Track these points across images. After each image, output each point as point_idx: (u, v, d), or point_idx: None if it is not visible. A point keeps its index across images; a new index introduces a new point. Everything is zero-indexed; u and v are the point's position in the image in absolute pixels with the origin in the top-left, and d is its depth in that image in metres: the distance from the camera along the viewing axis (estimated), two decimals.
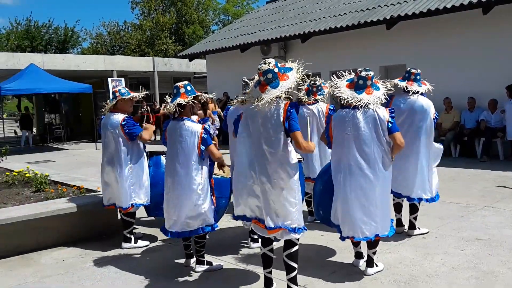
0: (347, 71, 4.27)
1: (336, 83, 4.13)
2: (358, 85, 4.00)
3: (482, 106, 10.45)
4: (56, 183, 6.72)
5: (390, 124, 3.89)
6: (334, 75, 4.26)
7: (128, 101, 5.12)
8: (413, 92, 4.90)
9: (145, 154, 5.21)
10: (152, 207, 5.20)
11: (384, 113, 3.90)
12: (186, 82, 4.29)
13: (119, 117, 5.02)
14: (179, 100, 4.14)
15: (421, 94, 4.94)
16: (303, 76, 3.58)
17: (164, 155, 5.31)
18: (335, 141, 4.06)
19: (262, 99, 3.43)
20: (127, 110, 5.17)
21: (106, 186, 5.17)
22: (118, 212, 5.46)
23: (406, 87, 4.92)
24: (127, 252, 4.99)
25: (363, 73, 4.02)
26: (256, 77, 3.64)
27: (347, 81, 4.12)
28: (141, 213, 5.70)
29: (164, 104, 4.28)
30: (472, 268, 4.13)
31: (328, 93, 5.50)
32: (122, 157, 4.98)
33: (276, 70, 3.50)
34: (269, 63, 3.52)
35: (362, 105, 3.89)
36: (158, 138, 18.56)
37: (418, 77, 4.99)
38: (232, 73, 16.46)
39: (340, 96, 4.00)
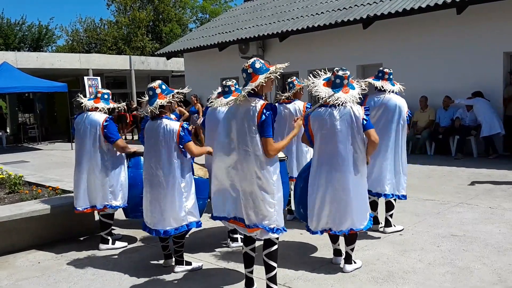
0: (322, 70, 4.32)
1: (313, 82, 4.17)
2: (335, 84, 4.06)
3: (457, 105, 10.62)
4: (30, 184, 6.59)
5: (365, 121, 3.97)
6: (311, 74, 4.29)
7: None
8: (389, 91, 5.00)
9: (124, 155, 5.15)
10: (131, 208, 5.13)
11: (359, 111, 3.98)
12: (160, 82, 4.25)
13: (100, 117, 4.95)
14: (160, 101, 4.10)
15: (395, 92, 5.05)
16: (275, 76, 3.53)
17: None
18: (315, 138, 4.10)
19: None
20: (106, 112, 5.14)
21: (79, 187, 5.00)
22: (96, 214, 5.37)
23: (382, 86, 5.01)
24: (105, 253, 4.93)
25: (340, 72, 4.08)
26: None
27: (323, 80, 4.17)
28: (119, 214, 5.63)
29: (141, 108, 4.25)
30: (448, 264, 4.21)
31: (298, 90, 5.56)
32: (100, 157, 4.91)
33: (250, 70, 3.49)
34: (247, 62, 3.53)
35: (339, 104, 3.95)
36: (136, 137, 18.39)
37: (391, 76, 5.15)
38: (210, 71, 16.42)
39: (318, 95, 4.04)
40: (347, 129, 3.95)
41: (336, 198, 3.96)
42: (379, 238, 5.02)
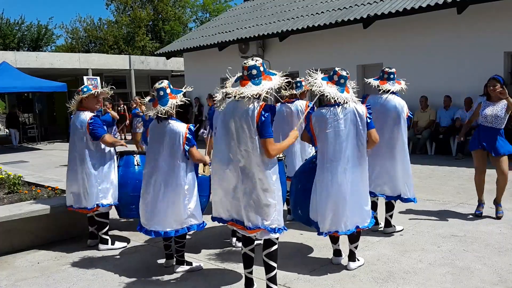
0: (313, 70, 4.25)
1: (316, 81, 4.11)
2: (340, 84, 4.06)
3: (457, 104, 10.63)
4: (30, 184, 6.58)
5: (368, 120, 3.99)
6: (308, 72, 4.22)
7: (92, 98, 5.03)
8: (384, 91, 4.96)
9: (114, 154, 5.12)
10: (122, 207, 5.11)
11: (362, 109, 4.01)
12: (168, 82, 4.20)
13: (87, 116, 4.95)
14: (174, 101, 4.03)
15: (394, 93, 4.99)
16: (285, 82, 3.55)
17: (135, 155, 5.29)
18: (318, 138, 4.09)
19: (241, 93, 3.39)
20: (93, 108, 5.07)
21: (70, 186, 5.01)
22: (92, 213, 5.32)
23: (378, 85, 4.98)
24: (104, 253, 4.91)
25: (344, 73, 4.07)
26: (239, 73, 3.60)
27: (323, 79, 4.12)
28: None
29: (158, 108, 4.06)
30: (448, 264, 4.20)
31: (307, 91, 5.53)
32: (88, 156, 4.88)
33: (261, 68, 3.49)
34: (256, 60, 3.51)
35: (346, 103, 3.96)
36: (129, 137, 18.30)
37: (391, 76, 5.03)
38: (210, 71, 16.38)
39: (327, 95, 3.99)
40: (351, 128, 3.96)
41: (342, 197, 3.95)
42: (379, 238, 5.00)
